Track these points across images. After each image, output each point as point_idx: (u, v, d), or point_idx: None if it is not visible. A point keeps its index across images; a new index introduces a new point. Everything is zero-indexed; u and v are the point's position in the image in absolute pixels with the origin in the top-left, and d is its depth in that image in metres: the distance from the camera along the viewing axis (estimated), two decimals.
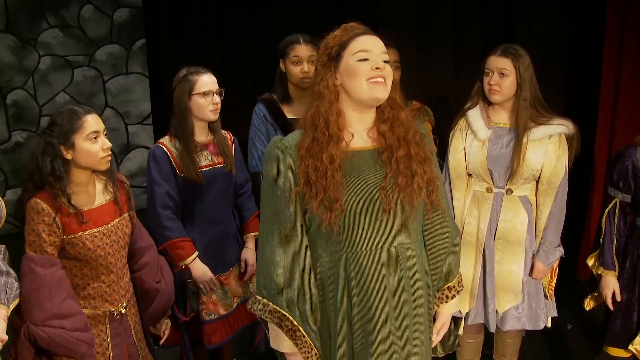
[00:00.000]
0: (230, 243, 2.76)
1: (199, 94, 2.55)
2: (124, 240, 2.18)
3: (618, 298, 2.43)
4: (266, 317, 1.79)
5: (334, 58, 1.74)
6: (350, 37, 1.73)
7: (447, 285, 1.91)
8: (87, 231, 2.06)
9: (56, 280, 1.95)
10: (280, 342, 1.80)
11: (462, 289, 1.95)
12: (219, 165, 2.66)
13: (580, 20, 3.73)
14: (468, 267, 2.56)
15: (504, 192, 2.52)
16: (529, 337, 2.95)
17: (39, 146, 2.03)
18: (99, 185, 2.14)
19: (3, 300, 1.81)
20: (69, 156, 2.03)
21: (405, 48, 2.74)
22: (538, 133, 2.45)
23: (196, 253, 2.60)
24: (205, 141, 2.66)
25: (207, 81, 2.57)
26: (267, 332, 1.87)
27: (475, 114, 2.57)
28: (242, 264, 2.78)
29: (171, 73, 2.69)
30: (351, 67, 1.71)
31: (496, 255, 2.54)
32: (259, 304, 1.80)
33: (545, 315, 2.60)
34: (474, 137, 2.54)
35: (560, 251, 2.54)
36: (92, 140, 2.03)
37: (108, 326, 2.14)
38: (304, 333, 1.77)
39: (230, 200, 2.77)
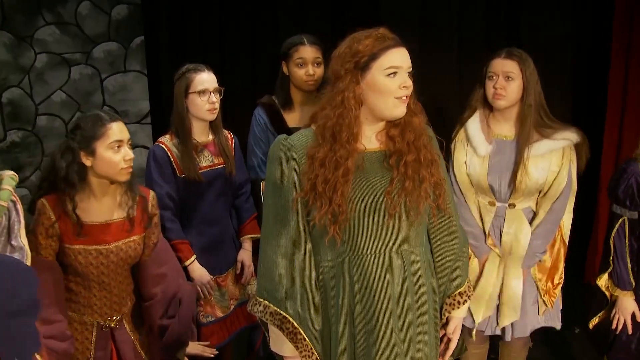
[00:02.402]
0: (228, 244, 2.72)
1: (195, 92, 2.48)
2: (127, 262, 2.08)
3: (639, 319, 2.38)
4: (267, 319, 1.77)
5: (361, 67, 1.68)
6: (382, 49, 1.67)
7: (458, 291, 1.88)
8: (81, 245, 1.97)
9: (44, 284, 1.88)
10: (281, 345, 1.79)
11: (472, 294, 1.93)
12: (220, 166, 2.61)
13: (587, 19, 3.70)
14: (487, 277, 2.48)
15: (507, 206, 2.44)
16: (536, 341, 2.91)
17: (60, 148, 1.98)
18: (116, 200, 2.04)
19: None
20: (88, 163, 1.96)
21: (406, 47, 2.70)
22: (540, 148, 2.35)
23: (194, 256, 2.54)
24: (206, 141, 2.60)
25: (204, 79, 2.50)
26: (266, 335, 1.83)
27: (474, 127, 2.45)
28: (239, 265, 2.72)
29: (170, 71, 2.65)
30: (379, 83, 1.66)
31: (499, 268, 2.48)
32: (260, 305, 1.78)
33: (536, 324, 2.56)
34: (474, 152, 2.44)
35: (539, 258, 2.46)
36: (115, 149, 1.96)
37: (94, 336, 2.07)
38: (305, 336, 1.75)
39: (229, 201, 2.72)
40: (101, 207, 2.02)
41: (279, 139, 1.79)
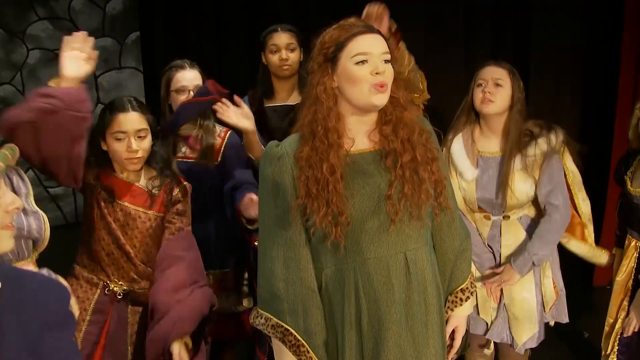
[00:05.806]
0: (213, 247, 2.53)
1: (174, 90, 2.44)
2: (152, 240, 2.09)
3: None
4: (268, 332, 1.73)
5: (330, 59, 1.62)
6: (348, 37, 1.61)
7: (459, 288, 1.83)
8: (127, 203, 2.06)
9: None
10: (284, 357, 1.72)
11: (475, 290, 1.88)
12: (189, 160, 2.49)
13: (598, 18, 3.65)
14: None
15: (502, 218, 2.40)
16: (544, 345, 2.86)
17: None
18: (140, 178, 2.11)
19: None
20: (105, 147, 2.03)
21: (412, 45, 2.66)
22: (521, 162, 2.32)
23: None
24: (186, 134, 2.50)
25: (184, 77, 2.43)
26: (269, 342, 1.78)
27: (459, 153, 2.40)
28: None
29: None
30: (349, 71, 1.60)
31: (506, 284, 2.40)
32: (261, 318, 1.74)
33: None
34: (461, 177, 2.39)
35: (531, 262, 2.35)
36: (117, 140, 1.99)
37: (95, 298, 2.08)
38: (308, 348, 1.69)
39: (216, 203, 2.58)
40: (129, 175, 2.10)
41: (271, 145, 1.73)
